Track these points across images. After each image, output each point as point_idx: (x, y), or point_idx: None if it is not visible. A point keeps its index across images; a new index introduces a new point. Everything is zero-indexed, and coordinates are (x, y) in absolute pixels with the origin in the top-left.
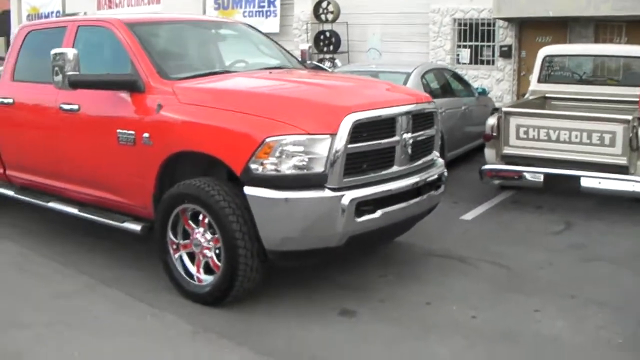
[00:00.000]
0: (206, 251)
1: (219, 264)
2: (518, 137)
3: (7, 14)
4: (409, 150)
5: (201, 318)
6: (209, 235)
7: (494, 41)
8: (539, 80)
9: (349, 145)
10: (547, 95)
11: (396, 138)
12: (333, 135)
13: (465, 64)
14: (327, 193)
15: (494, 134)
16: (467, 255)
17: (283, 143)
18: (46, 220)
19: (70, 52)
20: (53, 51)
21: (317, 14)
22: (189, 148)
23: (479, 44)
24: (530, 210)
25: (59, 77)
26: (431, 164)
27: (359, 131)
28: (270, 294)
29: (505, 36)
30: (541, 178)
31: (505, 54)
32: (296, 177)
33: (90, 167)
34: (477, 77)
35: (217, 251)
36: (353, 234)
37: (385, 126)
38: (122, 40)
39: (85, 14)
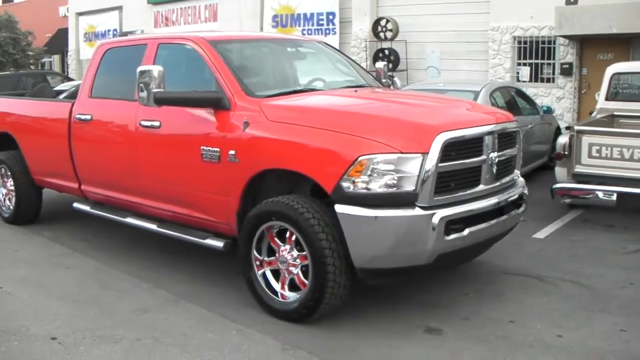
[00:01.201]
0: (292, 268)
1: (305, 281)
2: (590, 156)
3: (63, 32)
4: (494, 169)
5: (287, 334)
6: (295, 253)
7: (554, 59)
8: (607, 98)
9: (440, 164)
10: (615, 113)
11: (483, 157)
12: (425, 154)
13: (525, 81)
14: (418, 211)
15: (565, 152)
16: (545, 273)
17: (375, 161)
18: (120, 236)
19: (156, 69)
20: (139, 68)
21: (375, 32)
22: (278, 166)
23: (539, 61)
24: (602, 229)
25: (144, 94)
26: (513, 183)
27: (449, 150)
28: (353, 311)
29: (566, 53)
30: (614, 197)
31: (566, 71)
32: (387, 195)
33: (172, 184)
34: (537, 95)
35: (304, 268)
36: (442, 252)
37: (473, 145)
38: (205, 57)
39: (142, 32)
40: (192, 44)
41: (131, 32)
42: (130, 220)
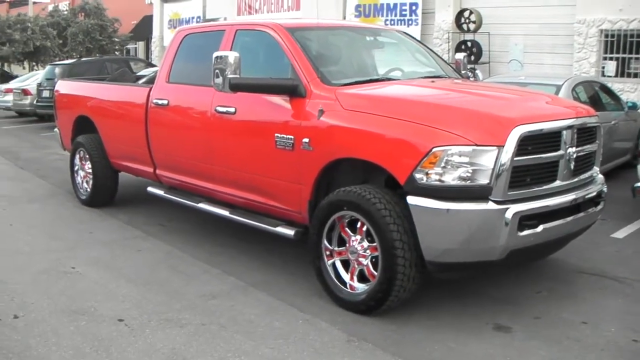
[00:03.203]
0: (362, 259)
1: (374, 272)
2: None
3: (148, 19)
4: (572, 165)
5: (354, 326)
6: (366, 244)
7: None
8: None
9: (515, 158)
10: None
11: (560, 152)
12: (500, 147)
13: (610, 76)
14: (492, 205)
15: None
16: (622, 275)
17: (449, 153)
18: (192, 221)
19: (232, 56)
20: (215, 54)
21: (458, 24)
22: (351, 155)
23: (627, 56)
24: None
25: (220, 80)
26: (591, 180)
27: (525, 144)
28: (422, 305)
29: None
30: None
31: None
32: (461, 188)
33: (245, 170)
34: (623, 90)
35: (373, 260)
36: (514, 248)
37: (551, 139)
38: (282, 44)
39: (225, 19)
40: (270, 30)
41: (214, 20)
42: (202, 205)
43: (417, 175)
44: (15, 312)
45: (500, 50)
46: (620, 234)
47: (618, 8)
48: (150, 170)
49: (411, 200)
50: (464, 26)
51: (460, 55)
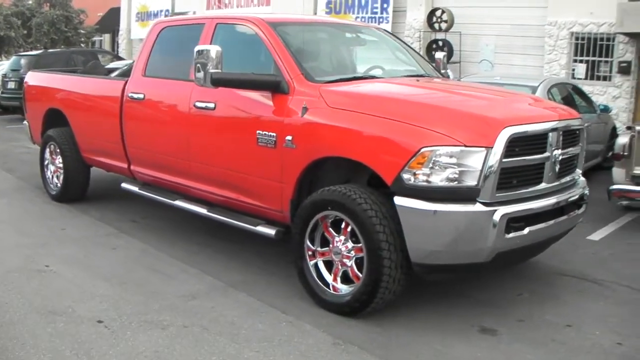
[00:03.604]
0: (346, 260)
1: (359, 274)
2: None
3: (115, 11)
4: (557, 168)
5: (339, 328)
6: (350, 244)
7: (611, 56)
8: None
9: (504, 160)
10: None
11: (547, 154)
12: (489, 148)
13: (580, 79)
14: (479, 207)
15: (625, 153)
16: (601, 277)
17: (438, 153)
18: (166, 218)
19: (214, 50)
20: (196, 48)
21: (430, 23)
22: (336, 154)
23: (596, 59)
24: None
25: (201, 74)
26: (574, 183)
27: (513, 145)
28: (406, 306)
29: (625, 51)
30: None
31: (624, 70)
32: (448, 189)
33: (224, 168)
34: (592, 93)
35: (358, 261)
36: (501, 251)
37: (538, 141)
38: (264, 39)
39: (194, 13)
40: (252, 25)
41: (183, 13)
42: (179, 203)
43: (405, 176)
44: None
45: (471, 50)
46: (596, 236)
47: (589, 11)
48: (125, 165)
49: (398, 200)
50: (436, 25)
51: (440, 55)
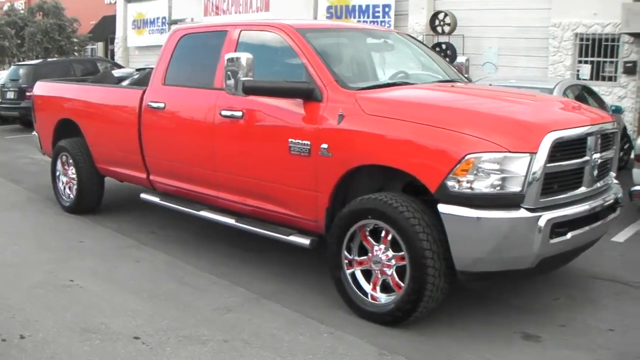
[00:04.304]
0: (386, 269)
1: (400, 283)
2: None
3: (108, 19)
4: (595, 172)
5: (382, 339)
6: (390, 253)
7: (617, 57)
8: None
9: (547, 165)
10: None
11: (586, 158)
12: (533, 153)
13: (585, 80)
14: (524, 213)
15: None
16: (633, 280)
17: (483, 160)
18: (185, 229)
19: (245, 57)
20: (227, 55)
21: (433, 26)
22: (376, 162)
23: (601, 59)
24: None
25: (232, 82)
26: (608, 187)
27: (556, 150)
28: (445, 314)
29: (630, 52)
30: None
31: (630, 70)
32: (493, 195)
33: (253, 177)
34: (598, 93)
35: (398, 269)
36: (545, 256)
37: (578, 145)
38: (294, 46)
39: (192, 20)
40: (279, 31)
41: (181, 21)
42: (204, 213)
43: (449, 183)
44: (20, 332)
45: (474, 52)
46: (620, 237)
47: (593, 12)
48: (143, 176)
49: (442, 208)
50: (439, 28)
51: (462, 59)
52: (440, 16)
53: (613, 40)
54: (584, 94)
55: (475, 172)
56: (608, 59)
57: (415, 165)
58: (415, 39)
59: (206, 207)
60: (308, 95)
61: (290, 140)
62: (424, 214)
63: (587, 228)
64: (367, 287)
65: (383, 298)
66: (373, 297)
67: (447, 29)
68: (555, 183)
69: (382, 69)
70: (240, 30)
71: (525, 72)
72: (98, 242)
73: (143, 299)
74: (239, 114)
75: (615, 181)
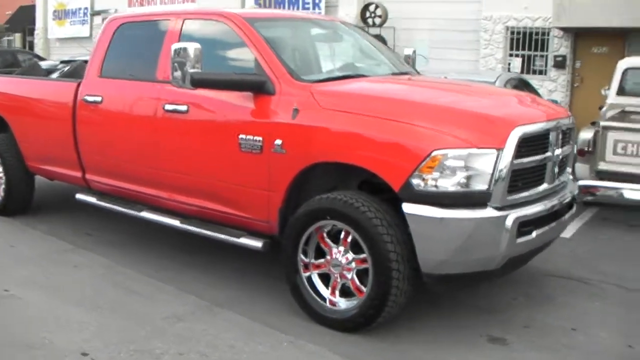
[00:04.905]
0: (346, 272)
1: (361, 287)
2: (615, 153)
3: (25, 9)
4: (556, 168)
5: (344, 347)
6: (351, 256)
7: (547, 51)
8: (618, 94)
9: (514, 161)
10: (626, 109)
11: (549, 154)
12: (500, 149)
13: (511, 73)
14: (492, 212)
15: (589, 148)
16: (586, 276)
17: (449, 156)
18: (122, 231)
19: (192, 48)
20: (173, 46)
21: (364, 18)
22: (334, 159)
23: (532, 53)
24: (625, 228)
25: (179, 74)
26: (565, 184)
27: (522, 146)
28: (406, 319)
29: (559, 46)
30: None
31: (559, 64)
32: (459, 194)
33: (200, 176)
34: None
35: (358, 273)
36: (511, 256)
37: (542, 141)
38: (243, 37)
39: (116, 11)
40: (226, 20)
41: (104, 11)
42: (146, 214)
43: (414, 181)
44: None
45: (405, 45)
46: (566, 233)
47: (523, 6)
48: (78, 174)
49: (407, 208)
50: (370, 20)
51: (409, 51)
52: (372, 8)
53: (543, 34)
54: (521, 87)
55: (441, 169)
56: (539, 53)
57: (377, 163)
58: (362, 29)
59: (147, 207)
60: (259, 88)
61: (240, 136)
62: (386, 214)
63: (549, 226)
64: (326, 291)
65: (343, 303)
66: (332, 302)
67: (378, 20)
68: (519, 180)
69: (332, 60)
70: (184, 20)
71: (458, 65)
72: (30, 247)
73: (87, 309)
74: (184, 108)
75: (571, 177)
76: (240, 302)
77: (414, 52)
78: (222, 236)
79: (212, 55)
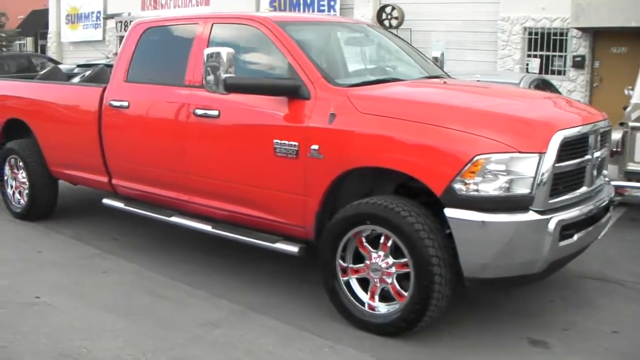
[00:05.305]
0: (386, 277)
1: (402, 291)
2: None
3: (37, 13)
4: (595, 171)
5: (384, 352)
6: (391, 260)
7: (565, 51)
8: None
9: (556, 165)
10: None
11: (588, 157)
12: (542, 153)
13: (534, 73)
14: (534, 216)
15: (618, 149)
16: (621, 278)
17: (492, 161)
18: (148, 236)
19: (225, 52)
20: (206, 51)
21: (380, 19)
22: (374, 164)
23: (550, 53)
24: None
25: (212, 78)
26: (603, 187)
27: (563, 149)
28: (446, 324)
29: (578, 46)
30: None
31: (578, 64)
32: (501, 198)
33: (232, 181)
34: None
35: (398, 277)
36: (553, 260)
37: (582, 144)
38: (275, 41)
39: (129, 14)
40: (256, 24)
41: (117, 15)
42: (176, 219)
43: (456, 186)
44: None
45: (422, 46)
46: None
47: (541, 7)
48: (104, 179)
49: (450, 212)
50: (386, 22)
51: (437, 53)
52: (388, 9)
53: (562, 34)
54: (544, 88)
55: (483, 173)
56: (557, 53)
57: (418, 167)
58: (391, 32)
59: (176, 212)
60: (294, 92)
61: (275, 141)
62: (427, 219)
63: (589, 229)
64: (364, 296)
65: (382, 307)
66: (371, 307)
67: (394, 22)
68: (560, 184)
69: (364, 64)
70: (212, 24)
71: (476, 67)
72: (57, 252)
73: (119, 315)
74: (215, 113)
75: (607, 180)
76: (273, 307)
77: (442, 54)
78: (258, 242)
79: (242, 60)
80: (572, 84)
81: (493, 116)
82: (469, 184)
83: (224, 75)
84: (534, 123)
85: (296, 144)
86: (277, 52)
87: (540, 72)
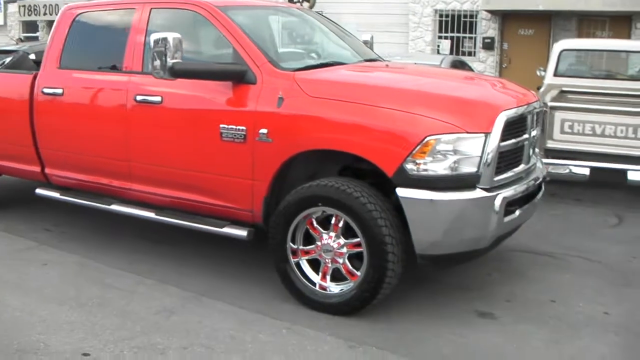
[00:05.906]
0: (338, 257)
1: (354, 271)
2: (562, 132)
3: None
4: (530, 150)
5: (342, 330)
6: (342, 241)
7: (475, 33)
8: (555, 74)
9: (500, 144)
10: (563, 89)
11: (526, 136)
12: (487, 133)
13: (451, 55)
14: (482, 193)
15: None
16: (550, 249)
17: (442, 141)
18: (82, 226)
19: (172, 37)
20: (153, 36)
21: (291, 1)
22: (324, 147)
23: (460, 35)
24: (573, 203)
25: (158, 64)
26: (536, 165)
27: (506, 129)
28: (394, 300)
29: (487, 28)
30: (587, 172)
31: (488, 45)
32: (450, 177)
33: (177, 167)
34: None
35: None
36: (499, 235)
37: (521, 124)
38: (218, 25)
39: None
40: (197, 9)
41: None
42: (117, 207)
43: (407, 166)
44: None
45: None
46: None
47: None
48: (37, 169)
49: (402, 192)
50: (298, 4)
51: (367, 36)
52: None
53: (471, 16)
54: (462, 68)
55: (433, 154)
56: (467, 35)
57: (369, 149)
58: (323, 16)
59: (116, 200)
60: (240, 77)
61: (221, 125)
62: (378, 199)
63: (528, 205)
64: (316, 277)
65: (333, 287)
66: (322, 287)
67: (306, 5)
68: (503, 162)
69: (305, 48)
70: (150, 9)
71: (389, 49)
72: None
73: (72, 308)
74: (158, 99)
75: (539, 158)
76: (223, 291)
77: (372, 37)
78: (205, 227)
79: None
80: (482, 65)
81: (441, 98)
82: (420, 164)
83: (171, 61)
84: (479, 104)
85: (244, 128)
86: (221, 37)
87: (451, 54)
